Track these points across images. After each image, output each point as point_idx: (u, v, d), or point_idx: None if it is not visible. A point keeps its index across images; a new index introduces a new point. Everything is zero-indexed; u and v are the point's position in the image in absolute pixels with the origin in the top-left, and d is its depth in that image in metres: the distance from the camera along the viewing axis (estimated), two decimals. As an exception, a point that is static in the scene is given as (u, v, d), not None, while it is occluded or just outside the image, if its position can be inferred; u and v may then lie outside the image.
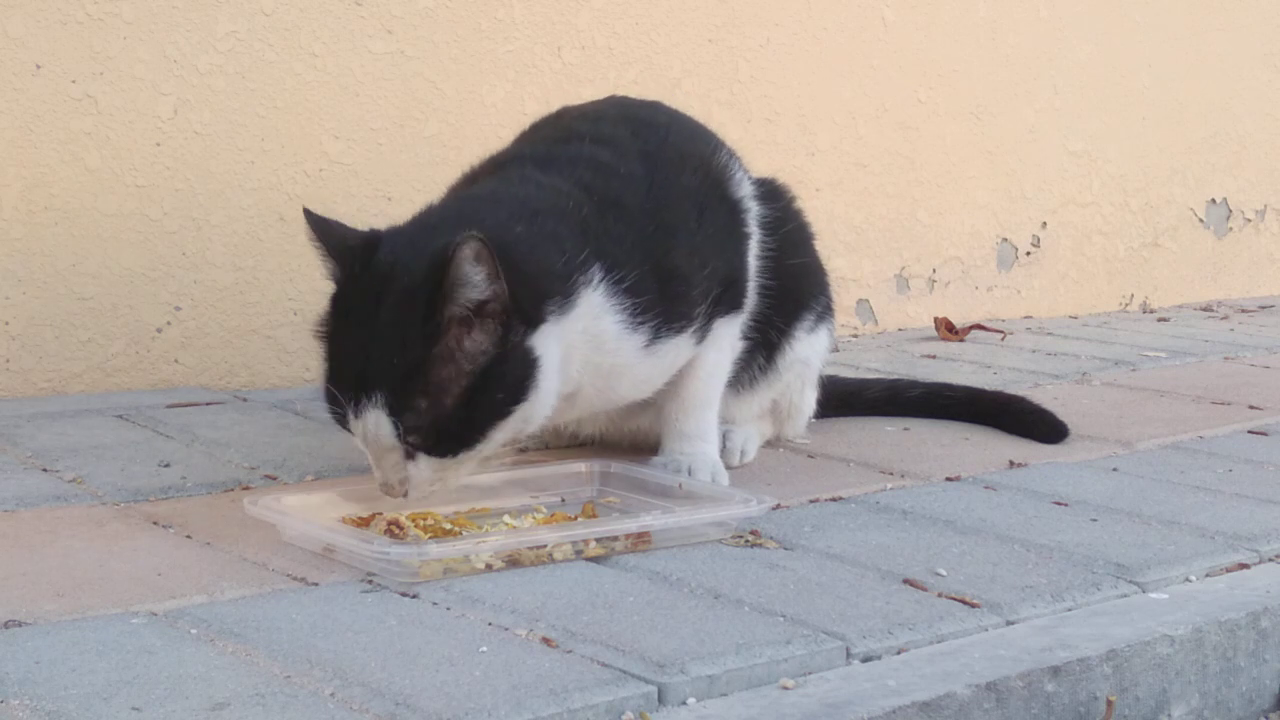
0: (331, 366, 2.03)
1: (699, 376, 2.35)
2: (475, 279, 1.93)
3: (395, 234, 2.08)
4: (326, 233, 2.06)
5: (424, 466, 1.99)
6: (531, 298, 2.01)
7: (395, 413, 1.94)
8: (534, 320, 2.01)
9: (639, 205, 2.22)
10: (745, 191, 2.40)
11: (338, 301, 2.04)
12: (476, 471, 2.08)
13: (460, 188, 2.34)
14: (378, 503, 2.07)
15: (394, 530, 1.96)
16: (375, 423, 1.96)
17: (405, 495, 2.00)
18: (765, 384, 2.54)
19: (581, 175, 2.22)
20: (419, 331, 1.94)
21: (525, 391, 2.00)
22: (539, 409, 2.04)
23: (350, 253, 2.03)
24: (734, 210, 2.37)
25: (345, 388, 1.98)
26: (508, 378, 1.99)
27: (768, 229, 2.43)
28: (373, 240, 2.05)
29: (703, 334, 2.29)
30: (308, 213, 2.07)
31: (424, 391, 1.95)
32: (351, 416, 1.98)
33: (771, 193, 2.51)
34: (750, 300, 2.41)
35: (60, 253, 2.93)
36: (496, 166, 2.30)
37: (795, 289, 2.51)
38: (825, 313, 2.61)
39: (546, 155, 2.31)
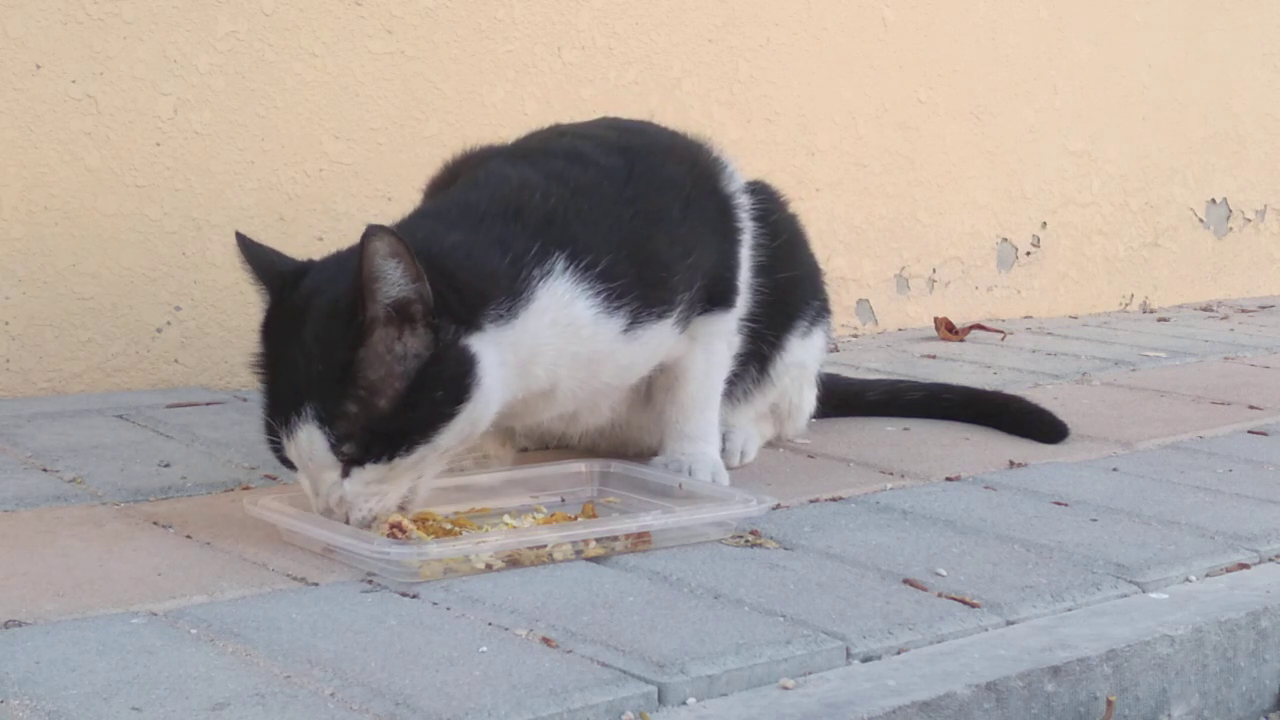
0: (262, 393, 1.99)
1: (695, 378, 2.34)
2: (392, 275, 1.88)
3: (320, 264, 2.04)
4: (256, 258, 2.02)
5: (358, 480, 1.92)
6: (465, 302, 1.96)
7: (326, 422, 1.89)
8: (469, 323, 1.96)
9: (616, 193, 2.19)
10: (736, 187, 2.38)
11: (266, 328, 2.00)
12: (421, 483, 1.99)
13: (439, 182, 2.33)
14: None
15: (396, 532, 1.95)
16: (308, 438, 1.90)
17: (346, 520, 1.93)
18: (760, 394, 2.53)
19: (554, 165, 2.20)
20: (343, 334, 1.90)
21: (467, 390, 1.94)
22: (485, 408, 1.98)
23: (280, 278, 2.00)
24: (724, 205, 2.35)
25: (277, 412, 1.93)
26: (445, 376, 1.93)
27: (760, 229, 2.42)
28: (304, 268, 2.02)
29: (686, 325, 2.26)
30: (239, 237, 2.03)
31: (354, 396, 1.89)
32: (285, 440, 1.93)
33: (764, 197, 2.48)
34: (744, 299, 2.39)
35: (60, 253, 2.93)
36: (476, 163, 2.27)
37: (788, 300, 2.49)
38: (820, 315, 2.60)
39: (524, 150, 2.30)
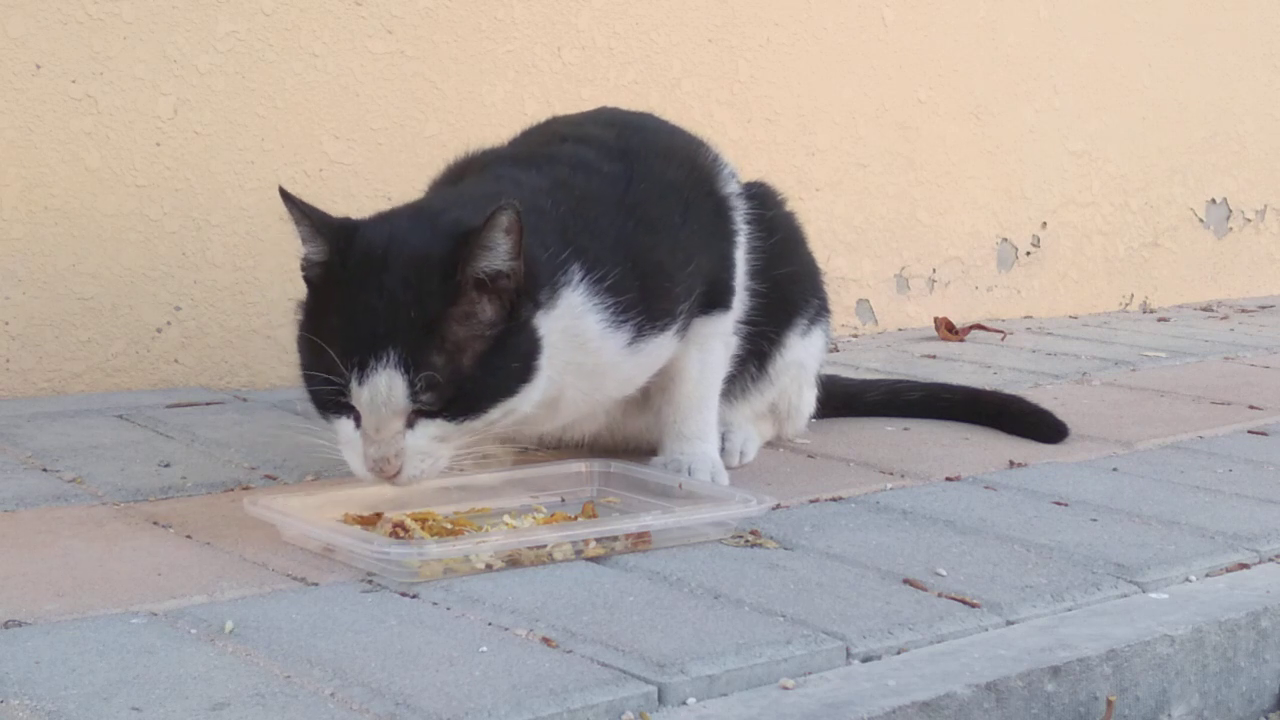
0: (326, 336, 1.96)
1: (691, 378, 2.34)
2: (501, 248, 1.93)
3: (380, 219, 2.06)
4: (308, 212, 2.02)
5: (421, 434, 1.95)
6: (534, 281, 2.01)
7: (411, 369, 1.91)
8: (538, 303, 2.02)
9: (620, 201, 2.20)
10: (732, 189, 2.38)
11: (329, 277, 2.00)
12: (458, 456, 2.02)
13: (442, 183, 2.33)
14: (378, 503, 2.07)
15: (399, 532, 1.96)
16: (387, 383, 1.91)
17: (397, 474, 1.95)
18: (758, 392, 2.53)
19: (560, 173, 2.21)
20: (437, 289, 1.93)
21: (532, 371, 2.00)
22: (533, 395, 2.02)
23: (335, 232, 2.01)
24: (720, 207, 2.35)
25: (348, 353, 1.92)
26: (521, 350, 1.99)
27: (757, 230, 2.42)
28: (350, 224, 2.04)
29: (684, 331, 2.27)
30: (284, 193, 2.02)
31: (441, 348, 1.93)
32: (355, 384, 1.92)
33: (762, 197, 2.49)
34: (740, 300, 2.40)
35: (60, 253, 2.93)
36: (481, 166, 2.28)
37: (786, 297, 2.49)
38: (819, 315, 2.60)
39: (527, 155, 2.31)
